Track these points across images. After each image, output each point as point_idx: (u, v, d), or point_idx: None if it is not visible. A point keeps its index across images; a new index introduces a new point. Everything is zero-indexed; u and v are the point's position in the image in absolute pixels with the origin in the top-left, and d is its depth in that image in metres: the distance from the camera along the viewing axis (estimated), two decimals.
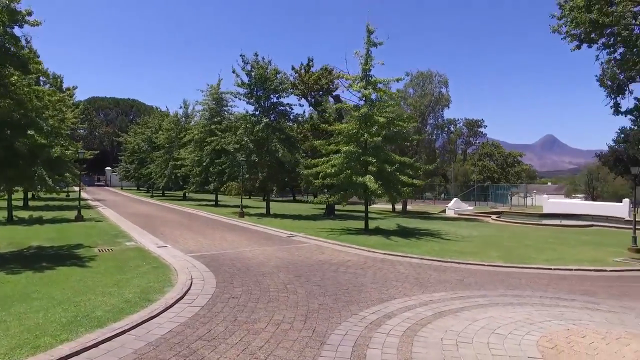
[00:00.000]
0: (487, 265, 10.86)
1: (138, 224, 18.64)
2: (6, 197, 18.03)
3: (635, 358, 4.96)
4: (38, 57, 13.01)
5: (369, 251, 12.69)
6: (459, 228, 20.30)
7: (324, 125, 20.82)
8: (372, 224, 19.76)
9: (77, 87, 30.15)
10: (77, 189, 25.49)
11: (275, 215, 24.83)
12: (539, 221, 25.75)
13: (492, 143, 74.17)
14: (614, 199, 39.48)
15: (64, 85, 28.17)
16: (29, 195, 28.36)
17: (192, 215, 25.10)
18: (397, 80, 18.06)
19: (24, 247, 11.83)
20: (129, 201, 36.97)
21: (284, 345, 5.23)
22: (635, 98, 14.44)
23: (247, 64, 24.16)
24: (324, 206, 26.69)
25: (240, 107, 38.62)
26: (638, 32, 12.60)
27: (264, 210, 26.86)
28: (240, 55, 23.94)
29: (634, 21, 12.54)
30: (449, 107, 33.26)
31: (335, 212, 27.38)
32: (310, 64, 28.85)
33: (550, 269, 10.75)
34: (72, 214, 20.50)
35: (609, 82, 14.47)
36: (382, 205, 35.08)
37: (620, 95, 14.42)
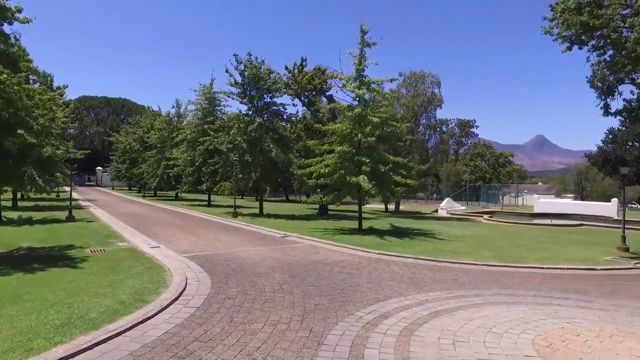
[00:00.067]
0: (481, 265, 10.95)
1: (130, 224, 18.45)
2: None
3: (628, 355, 5.04)
4: (27, 55, 12.84)
5: (363, 251, 12.71)
6: (452, 228, 20.44)
7: (317, 125, 20.84)
8: (366, 224, 19.80)
9: (67, 86, 29.84)
10: (67, 189, 25.18)
11: (269, 215, 24.77)
12: (530, 221, 26.05)
13: (483, 143, 74.89)
14: (602, 198, 40.12)
15: (54, 84, 27.79)
16: (18, 195, 27.91)
17: (185, 215, 24.93)
18: (391, 80, 18.18)
19: (13, 248, 11.64)
20: (120, 201, 36.59)
21: (282, 345, 5.22)
22: (624, 99, 14.66)
23: (240, 63, 24.08)
24: (317, 206, 26.68)
25: (234, 106, 38.44)
26: (626, 34, 12.78)
27: (257, 210, 26.78)
28: (234, 55, 23.91)
29: (622, 24, 12.72)
30: (441, 108, 33.48)
31: (329, 212, 27.40)
32: (304, 63, 28.86)
33: (543, 268, 10.87)
34: (62, 215, 20.23)
35: (599, 84, 14.66)
36: (375, 205, 35.19)
37: (610, 97, 14.61)
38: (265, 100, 25.06)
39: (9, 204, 25.29)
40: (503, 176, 65.66)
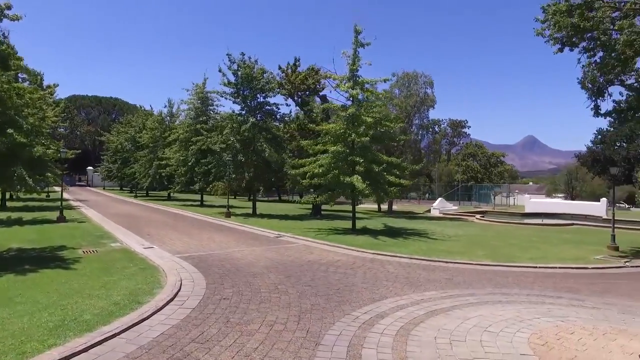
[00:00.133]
0: (475, 264, 11.03)
1: (122, 224, 18.27)
2: None
3: (621, 352, 5.12)
4: (16, 53, 12.62)
5: (357, 251, 12.74)
6: (445, 227, 20.57)
7: (311, 125, 20.81)
8: (359, 224, 19.84)
9: (58, 85, 29.46)
10: (57, 189, 24.83)
11: (262, 216, 24.70)
12: (521, 220, 26.30)
13: (475, 143, 75.52)
14: (592, 198, 40.70)
15: (45, 83, 27.41)
16: (7, 195, 27.47)
17: (178, 215, 24.75)
18: (384, 80, 18.24)
19: (3, 250, 11.45)
20: (112, 201, 36.21)
21: (279, 346, 5.20)
22: (614, 101, 14.89)
23: (233, 63, 23.95)
24: (311, 206, 26.67)
25: (227, 106, 38.48)
26: (616, 37, 12.96)
27: (250, 211, 26.68)
28: (227, 55, 23.76)
29: (612, 26, 12.91)
30: (434, 108, 33.69)
31: (322, 212, 27.40)
32: (297, 63, 28.81)
33: (535, 267, 10.99)
34: (53, 215, 19.95)
35: (590, 85, 14.85)
36: (368, 205, 35.26)
37: (600, 98, 14.81)
38: (259, 100, 24.96)
39: None
40: (494, 176, 66.31)
